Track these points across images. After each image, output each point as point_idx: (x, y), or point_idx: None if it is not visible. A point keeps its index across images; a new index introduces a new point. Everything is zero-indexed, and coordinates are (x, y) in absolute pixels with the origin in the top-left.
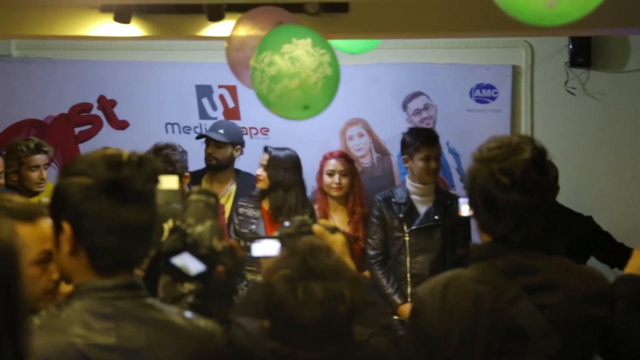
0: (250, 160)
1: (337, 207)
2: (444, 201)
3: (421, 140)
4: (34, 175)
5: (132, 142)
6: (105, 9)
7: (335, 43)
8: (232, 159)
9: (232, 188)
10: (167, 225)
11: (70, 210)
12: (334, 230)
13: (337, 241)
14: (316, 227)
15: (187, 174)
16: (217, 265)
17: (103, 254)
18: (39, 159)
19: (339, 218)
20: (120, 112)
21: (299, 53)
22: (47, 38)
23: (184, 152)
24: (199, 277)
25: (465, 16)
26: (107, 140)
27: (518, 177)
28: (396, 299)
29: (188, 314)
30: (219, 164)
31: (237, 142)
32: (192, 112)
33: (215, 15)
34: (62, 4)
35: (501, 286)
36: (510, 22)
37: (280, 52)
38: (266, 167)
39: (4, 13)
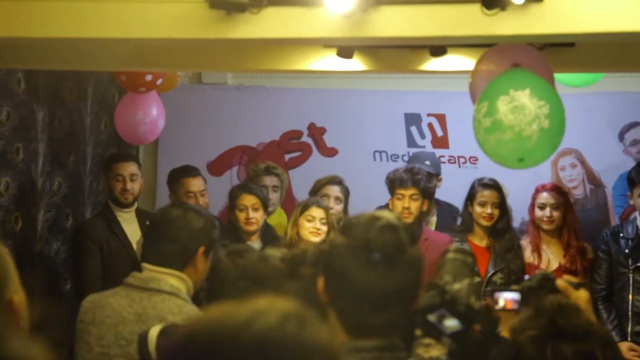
0: (456, 190)
1: (550, 240)
2: None
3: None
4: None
5: (340, 169)
6: (328, 44)
7: (559, 76)
8: (434, 190)
9: (432, 220)
10: None
11: (324, 267)
12: (577, 285)
13: (581, 297)
14: (560, 282)
15: None
16: (474, 324)
17: (349, 315)
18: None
19: (551, 251)
20: (329, 140)
21: (514, 105)
22: (272, 72)
23: None
24: (454, 335)
25: None
26: (315, 167)
27: None
28: (614, 336)
29: None
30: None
31: (439, 172)
32: (400, 140)
33: (438, 51)
34: (289, 42)
35: None
36: None
37: (497, 104)
38: (499, 206)
39: (234, 49)
